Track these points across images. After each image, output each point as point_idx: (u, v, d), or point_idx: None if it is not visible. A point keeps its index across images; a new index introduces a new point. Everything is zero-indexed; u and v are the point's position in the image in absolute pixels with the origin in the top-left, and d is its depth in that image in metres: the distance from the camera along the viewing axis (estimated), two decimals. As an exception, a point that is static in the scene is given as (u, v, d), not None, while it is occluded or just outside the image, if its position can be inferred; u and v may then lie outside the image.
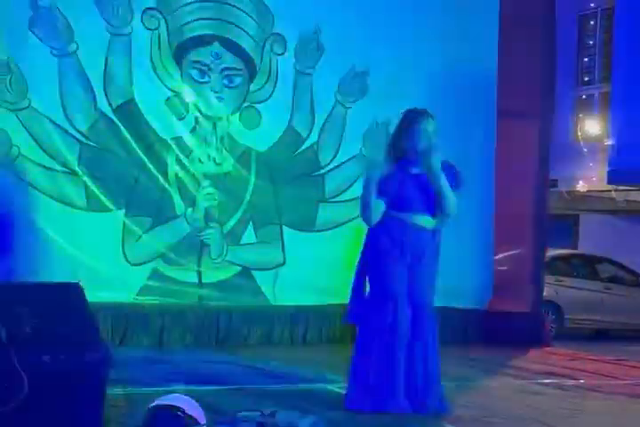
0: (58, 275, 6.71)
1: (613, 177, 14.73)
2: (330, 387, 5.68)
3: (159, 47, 7.71)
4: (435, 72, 8.53)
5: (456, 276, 7.55)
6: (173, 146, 7.77)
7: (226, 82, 7.95)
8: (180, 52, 7.80)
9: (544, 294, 9.56)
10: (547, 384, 6.39)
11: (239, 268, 7.99)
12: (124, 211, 7.58)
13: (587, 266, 13.85)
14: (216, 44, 7.89)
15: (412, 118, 4.99)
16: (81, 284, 4.14)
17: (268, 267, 8.10)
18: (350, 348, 5.16)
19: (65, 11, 7.33)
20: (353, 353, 5.03)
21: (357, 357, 4.99)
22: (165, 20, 7.71)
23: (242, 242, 8.02)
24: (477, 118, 8.84)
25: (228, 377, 6.01)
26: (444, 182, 4.93)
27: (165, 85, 7.76)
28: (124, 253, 7.56)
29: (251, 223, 8.05)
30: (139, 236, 7.62)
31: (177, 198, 7.78)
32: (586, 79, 18.03)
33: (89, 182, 7.43)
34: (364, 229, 5.11)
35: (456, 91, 8.52)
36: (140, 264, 7.63)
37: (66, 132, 7.38)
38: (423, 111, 5.02)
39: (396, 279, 4.94)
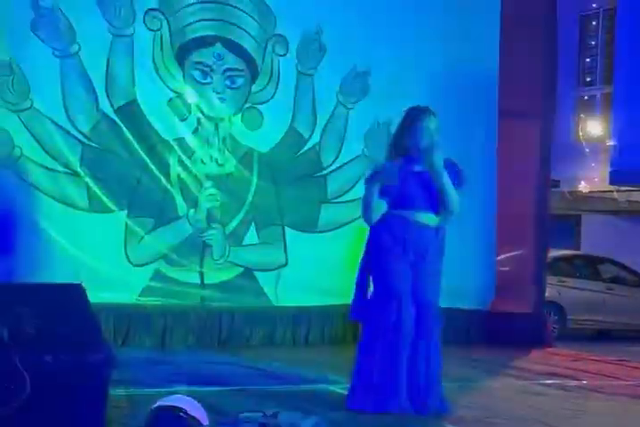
0: (60, 276, 6.70)
1: (615, 178, 14.74)
2: (332, 388, 5.67)
3: (161, 48, 7.71)
4: (436, 72, 8.52)
5: (458, 276, 7.52)
6: (176, 147, 7.77)
7: (228, 83, 7.95)
8: (182, 53, 7.80)
9: (546, 294, 9.56)
10: (549, 385, 6.38)
11: (241, 269, 7.98)
12: (126, 212, 7.57)
13: (589, 267, 13.86)
14: (218, 44, 7.89)
15: (414, 116, 4.99)
16: (83, 284, 4.15)
17: (271, 268, 8.10)
18: (353, 348, 5.16)
19: (67, 12, 7.33)
20: (357, 352, 5.02)
21: (361, 355, 4.98)
22: (167, 21, 7.71)
23: (244, 243, 8.02)
24: (479, 118, 8.83)
25: (231, 378, 6.01)
26: (446, 180, 4.92)
27: (167, 86, 7.76)
28: (126, 254, 7.56)
29: (253, 224, 8.04)
30: (141, 237, 7.62)
31: (179, 199, 7.78)
32: (588, 80, 18.04)
33: (91, 183, 7.43)
34: (367, 229, 5.10)
35: (457, 91, 8.51)
36: (142, 265, 7.63)
37: (68, 133, 7.38)
38: (425, 109, 5.02)
39: (399, 277, 4.93)
